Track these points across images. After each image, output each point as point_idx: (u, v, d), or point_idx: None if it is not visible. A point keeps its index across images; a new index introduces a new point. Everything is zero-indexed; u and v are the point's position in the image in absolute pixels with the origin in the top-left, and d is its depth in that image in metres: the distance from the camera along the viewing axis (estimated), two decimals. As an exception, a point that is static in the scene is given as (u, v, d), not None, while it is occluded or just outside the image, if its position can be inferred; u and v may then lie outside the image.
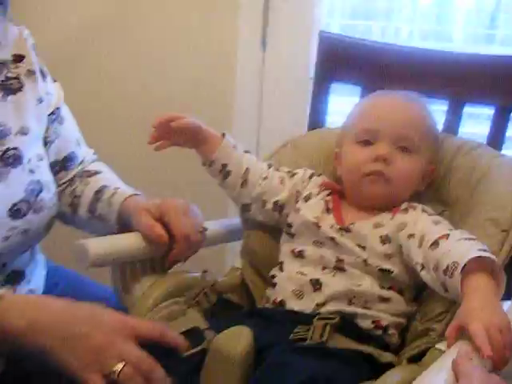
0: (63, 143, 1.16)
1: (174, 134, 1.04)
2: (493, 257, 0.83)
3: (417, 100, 1.07)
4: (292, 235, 1.04)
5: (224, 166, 1.06)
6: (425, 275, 0.91)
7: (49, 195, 1.08)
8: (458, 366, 0.71)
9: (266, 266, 1.08)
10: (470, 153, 1.05)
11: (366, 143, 1.02)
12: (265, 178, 1.08)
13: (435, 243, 0.90)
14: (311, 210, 1.04)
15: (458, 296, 0.83)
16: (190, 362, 0.86)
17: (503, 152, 1.11)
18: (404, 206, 1.01)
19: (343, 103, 1.28)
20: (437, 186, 1.06)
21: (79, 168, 1.20)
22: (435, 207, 1.03)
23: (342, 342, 0.89)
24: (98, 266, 1.01)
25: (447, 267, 0.85)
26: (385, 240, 0.97)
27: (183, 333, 0.89)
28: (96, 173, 1.20)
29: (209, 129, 1.06)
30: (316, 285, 0.96)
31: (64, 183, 1.16)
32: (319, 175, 1.11)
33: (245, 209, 1.10)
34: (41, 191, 1.06)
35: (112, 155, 1.26)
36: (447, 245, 0.89)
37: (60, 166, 1.16)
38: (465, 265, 0.82)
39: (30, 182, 1.04)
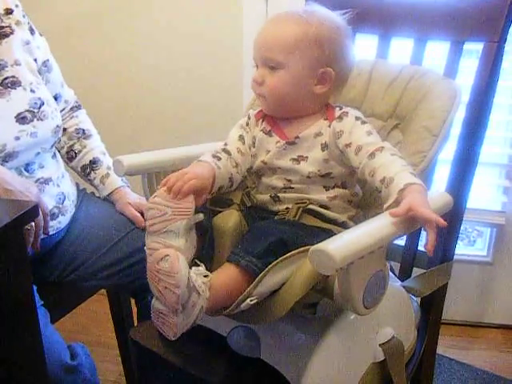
0: (52, 86, 1.48)
1: None
2: (418, 181, 0.99)
3: (293, 16, 1.13)
4: (253, 173, 1.21)
5: (220, 187, 1.13)
6: (361, 176, 1.09)
7: (50, 108, 1.38)
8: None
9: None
10: (422, 76, 1.25)
11: (257, 68, 1.15)
12: (236, 166, 1.17)
13: (372, 154, 1.06)
14: (262, 150, 1.18)
15: (385, 198, 1.02)
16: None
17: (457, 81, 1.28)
18: (338, 113, 1.14)
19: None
20: (395, 104, 1.26)
21: (64, 105, 1.53)
22: (391, 121, 1.25)
23: (311, 221, 1.11)
24: (130, 174, 1.28)
25: (384, 178, 1.02)
26: (324, 147, 1.13)
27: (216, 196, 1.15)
28: (90, 135, 1.55)
29: (207, 180, 1.08)
30: (275, 198, 1.16)
31: None
32: (249, 117, 1.23)
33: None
34: (42, 104, 1.36)
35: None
36: (382, 157, 1.05)
37: None
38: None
39: (32, 98, 1.34)
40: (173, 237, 0.99)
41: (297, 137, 1.15)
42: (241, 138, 1.21)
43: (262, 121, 1.20)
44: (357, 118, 1.14)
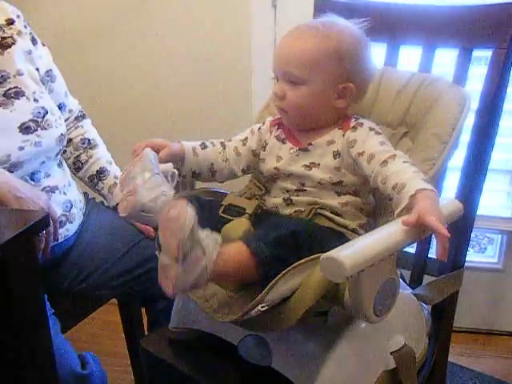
0: (55, 95, 1.48)
1: None
2: (430, 187, 0.99)
3: (313, 30, 1.13)
4: (266, 177, 1.23)
5: (193, 172, 1.23)
6: (373, 185, 1.10)
7: (54, 117, 1.39)
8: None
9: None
10: (431, 84, 1.25)
11: (278, 80, 1.16)
12: (226, 161, 1.24)
13: (384, 162, 1.06)
14: (271, 155, 1.21)
15: (397, 204, 1.01)
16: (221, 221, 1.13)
17: (467, 88, 1.27)
18: (353, 123, 1.15)
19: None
20: (404, 112, 1.26)
21: (69, 115, 1.54)
22: (401, 129, 1.25)
23: (324, 222, 1.12)
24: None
25: (396, 184, 1.02)
26: (336, 155, 1.14)
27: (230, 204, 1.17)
28: (96, 145, 1.56)
29: (172, 146, 1.19)
30: (288, 201, 1.17)
31: None
32: (263, 123, 1.26)
33: (221, 181, 1.28)
34: (46, 113, 1.36)
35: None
36: (395, 164, 1.05)
37: None
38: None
39: (35, 108, 1.35)
40: (132, 182, 1.07)
41: (310, 143, 1.17)
42: (245, 140, 1.26)
43: (278, 128, 1.23)
44: (371, 129, 1.15)
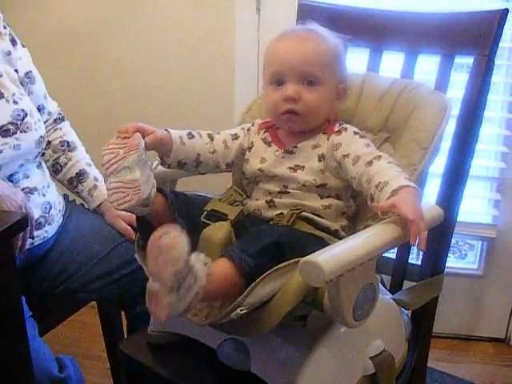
0: (35, 97, 1.46)
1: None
2: (413, 185, 1.01)
3: (314, 33, 1.17)
4: (248, 179, 1.23)
5: (179, 161, 1.18)
6: (357, 187, 1.11)
7: (33, 119, 1.37)
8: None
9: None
10: (412, 90, 1.25)
11: (279, 83, 1.15)
12: (213, 152, 1.21)
13: (369, 162, 1.08)
14: (256, 156, 1.21)
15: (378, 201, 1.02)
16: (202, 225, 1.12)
17: (448, 94, 1.28)
18: (337, 128, 1.17)
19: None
20: (386, 118, 1.26)
21: (48, 117, 1.52)
22: (382, 134, 1.25)
23: (304, 227, 1.12)
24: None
25: (379, 183, 1.03)
26: (321, 158, 1.15)
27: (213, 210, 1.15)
28: (75, 147, 1.54)
29: (160, 133, 1.14)
30: (271, 203, 1.17)
31: None
32: (252, 124, 1.26)
33: (204, 173, 1.26)
34: (25, 116, 1.34)
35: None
36: (379, 165, 1.07)
37: None
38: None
39: (15, 110, 1.33)
40: (128, 172, 1.03)
41: (295, 146, 1.18)
42: (235, 135, 1.25)
43: (265, 132, 1.24)
44: (355, 133, 1.17)
